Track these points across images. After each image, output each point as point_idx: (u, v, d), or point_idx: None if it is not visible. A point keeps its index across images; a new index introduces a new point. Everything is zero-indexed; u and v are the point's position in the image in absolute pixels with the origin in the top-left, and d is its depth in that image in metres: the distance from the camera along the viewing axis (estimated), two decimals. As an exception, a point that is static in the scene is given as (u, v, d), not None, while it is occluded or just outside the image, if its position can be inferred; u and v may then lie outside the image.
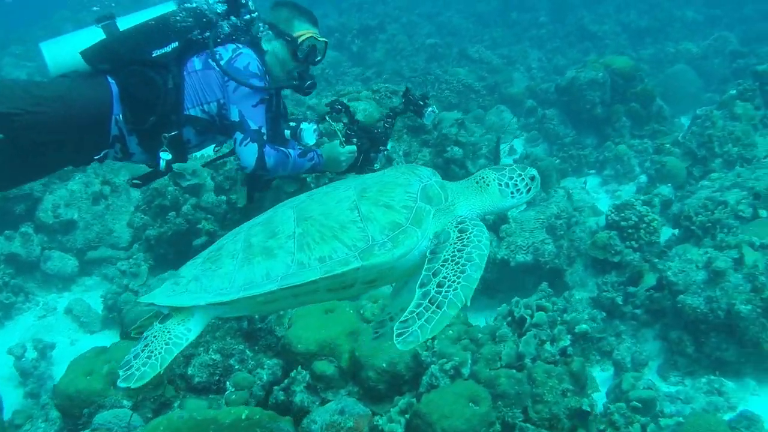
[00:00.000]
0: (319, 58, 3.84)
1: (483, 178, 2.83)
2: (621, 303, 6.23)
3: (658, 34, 17.85)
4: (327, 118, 4.05)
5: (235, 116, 3.53)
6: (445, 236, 2.55)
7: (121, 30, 3.57)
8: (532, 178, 2.86)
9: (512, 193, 2.82)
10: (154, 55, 3.52)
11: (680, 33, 18.45)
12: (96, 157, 3.58)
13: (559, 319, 4.61)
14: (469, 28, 18.80)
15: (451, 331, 4.71)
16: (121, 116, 3.50)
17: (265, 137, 3.56)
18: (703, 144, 8.85)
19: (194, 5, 3.67)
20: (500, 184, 2.81)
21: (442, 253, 2.48)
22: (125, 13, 3.67)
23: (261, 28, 3.78)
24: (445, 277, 2.39)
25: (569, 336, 4.28)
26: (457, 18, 19.86)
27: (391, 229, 2.55)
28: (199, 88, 3.60)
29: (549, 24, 18.74)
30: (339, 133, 3.83)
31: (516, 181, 2.82)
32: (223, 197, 7.41)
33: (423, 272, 2.44)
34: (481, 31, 18.45)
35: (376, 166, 3.93)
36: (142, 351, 2.49)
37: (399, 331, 2.25)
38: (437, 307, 2.30)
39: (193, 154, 3.95)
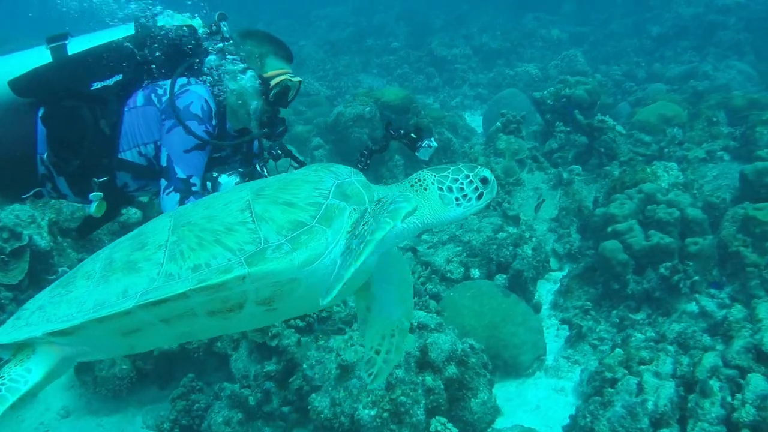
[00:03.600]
0: (291, 99, 3.43)
1: (420, 180, 2.37)
2: (253, 404, 5.02)
3: (511, 55, 17.02)
4: (258, 167, 3.47)
5: (163, 161, 3.08)
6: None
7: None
8: (484, 181, 2.35)
9: (457, 199, 2.33)
10: (92, 89, 3.15)
11: (539, 53, 17.68)
12: (24, 196, 3.22)
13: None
14: (318, 57, 17.71)
15: None
16: (45, 156, 3.15)
17: (194, 188, 3.04)
18: (455, 186, 7.76)
19: (154, 30, 3.27)
20: (441, 189, 2.33)
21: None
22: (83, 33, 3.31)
23: (228, 63, 3.30)
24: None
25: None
26: (309, 47, 18.78)
27: (291, 229, 2.05)
28: (137, 126, 3.19)
29: (401, 49, 17.78)
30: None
31: (462, 184, 2.33)
32: None
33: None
34: (329, 60, 17.37)
35: None
36: None
37: None
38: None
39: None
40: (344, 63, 16.79)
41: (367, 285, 2.59)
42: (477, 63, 16.70)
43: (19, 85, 3.14)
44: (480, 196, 2.36)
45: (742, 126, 8.69)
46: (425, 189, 2.33)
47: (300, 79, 3.44)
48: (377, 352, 2.63)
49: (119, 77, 3.20)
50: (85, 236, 3.53)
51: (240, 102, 3.34)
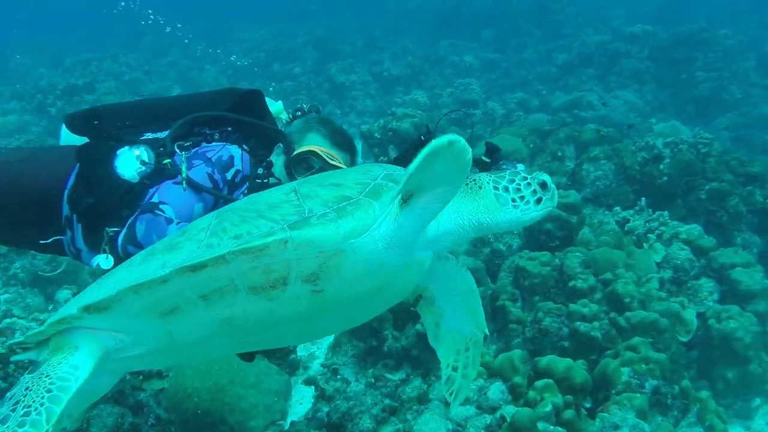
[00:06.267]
0: None
1: (474, 180, 2.24)
2: None
3: (411, 81, 16.60)
4: (177, 150, 2.88)
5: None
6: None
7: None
8: (544, 186, 2.23)
9: (514, 200, 2.20)
10: (142, 138, 2.92)
11: (445, 80, 17.26)
12: (44, 242, 2.99)
13: None
14: (217, 83, 17.18)
15: None
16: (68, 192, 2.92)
17: (158, 211, 2.66)
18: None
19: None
20: (497, 188, 2.21)
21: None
22: None
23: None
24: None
25: None
26: (213, 72, 18.29)
27: (336, 202, 1.96)
28: None
29: (303, 75, 17.32)
30: (183, 167, 2.75)
31: (519, 185, 2.20)
32: None
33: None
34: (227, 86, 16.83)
35: None
36: (13, 411, 1.86)
37: None
38: None
39: None
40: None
41: (432, 299, 2.55)
42: (376, 89, 16.25)
43: (72, 120, 3.01)
44: (539, 201, 2.22)
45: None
46: (480, 187, 2.22)
47: (338, 165, 2.92)
48: (455, 369, 2.56)
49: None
50: None
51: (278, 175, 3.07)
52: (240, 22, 26.18)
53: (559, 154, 8.99)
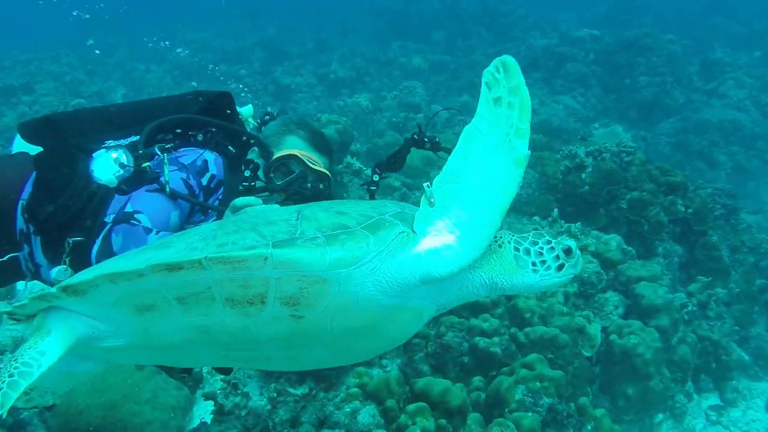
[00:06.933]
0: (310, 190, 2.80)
1: (496, 238, 2.04)
2: None
3: (356, 84, 16.48)
4: (158, 152, 2.66)
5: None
6: None
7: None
8: (568, 252, 2.03)
9: (534, 264, 2.02)
10: (104, 146, 2.65)
11: (392, 82, 17.18)
12: None
13: None
14: (163, 84, 16.88)
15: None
16: (25, 202, 2.73)
17: (133, 221, 2.47)
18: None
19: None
20: (517, 249, 2.04)
21: None
22: None
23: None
24: None
25: None
26: (158, 72, 17.96)
27: (331, 228, 1.87)
28: None
29: (248, 77, 17.09)
30: (165, 168, 2.59)
31: (542, 248, 2.03)
32: None
33: None
34: (175, 87, 16.55)
35: None
36: None
37: None
38: None
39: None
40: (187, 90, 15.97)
41: None
42: (321, 92, 16.10)
43: (26, 128, 2.82)
44: (560, 267, 2.05)
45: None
46: (500, 246, 2.06)
47: (325, 172, 2.79)
48: None
49: (134, 138, 2.75)
50: None
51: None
52: (190, 21, 25.81)
53: (489, 161, 8.93)
